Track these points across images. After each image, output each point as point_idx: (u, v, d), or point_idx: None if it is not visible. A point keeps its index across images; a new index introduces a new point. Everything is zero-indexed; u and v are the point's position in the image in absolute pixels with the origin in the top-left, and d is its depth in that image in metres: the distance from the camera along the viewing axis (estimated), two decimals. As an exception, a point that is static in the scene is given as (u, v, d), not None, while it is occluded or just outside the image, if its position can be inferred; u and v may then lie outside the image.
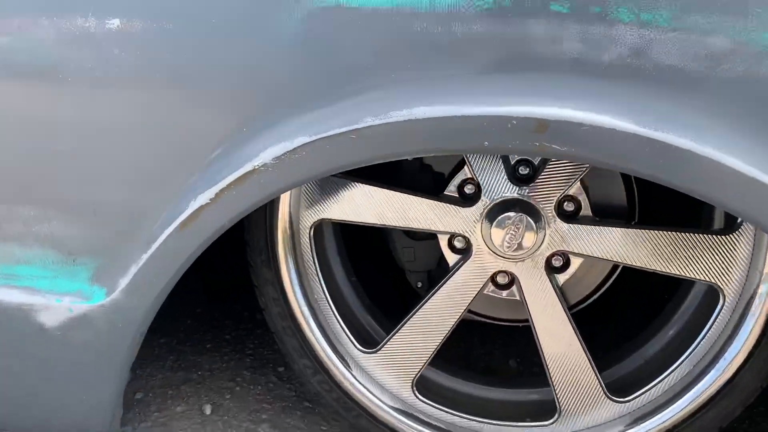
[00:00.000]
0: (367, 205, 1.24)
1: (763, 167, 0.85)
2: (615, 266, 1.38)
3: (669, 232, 1.16)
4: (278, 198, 1.25)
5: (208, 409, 1.53)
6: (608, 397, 1.26)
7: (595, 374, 1.25)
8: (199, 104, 0.97)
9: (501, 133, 0.89)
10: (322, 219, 1.28)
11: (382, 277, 1.70)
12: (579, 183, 1.21)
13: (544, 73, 0.88)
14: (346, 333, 1.33)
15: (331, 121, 0.92)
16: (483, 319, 1.47)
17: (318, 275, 1.31)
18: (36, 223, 1.08)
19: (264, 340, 1.85)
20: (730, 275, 1.16)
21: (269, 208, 1.26)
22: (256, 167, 0.96)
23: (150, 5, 0.95)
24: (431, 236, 1.37)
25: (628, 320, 1.72)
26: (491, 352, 1.85)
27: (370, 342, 1.35)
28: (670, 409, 1.22)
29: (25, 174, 1.08)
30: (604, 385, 1.26)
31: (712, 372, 1.20)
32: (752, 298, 1.16)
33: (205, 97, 0.96)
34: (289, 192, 1.24)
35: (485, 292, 1.28)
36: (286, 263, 1.29)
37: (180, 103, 0.97)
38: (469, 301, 1.26)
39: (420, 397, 1.32)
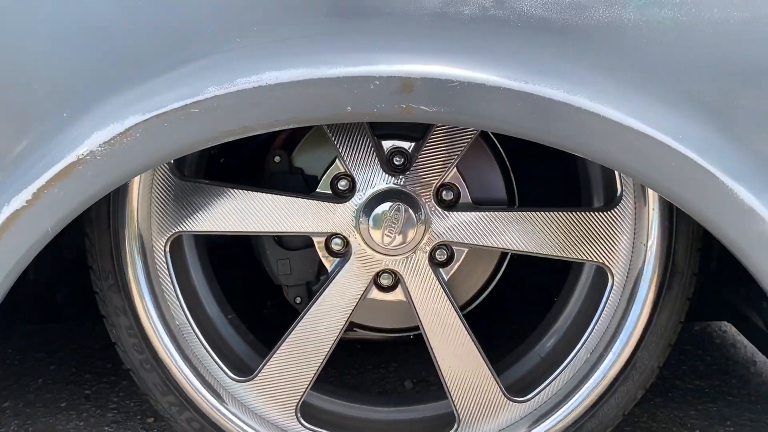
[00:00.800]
0: (230, 211, 1.11)
1: (638, 115, 0.81)
2: (501, 262, 1.32)
3: (550, 213, 1.11)
4: (125, 210, 1.09)
5: (58, 476, 1.30)
6: (508, 399, 1.17)
7: (493, 375, 1.16)
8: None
9: (364, 96, 0.79)
10: (179, 232, 1.12)
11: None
12: (456, 170, 1.15)
13: (404, 28, 0.80)
14: (216, 361, 1.16)
15: (168, 93, 0.79)
16: (372, 334, 1.35)
17: (178, 298, 1.15)
18: None
19: (130, 392, 1.63)
20: (616, 253, 1.12)
21: (114, 223, 1.09)
22: (81, 157, 0.81)
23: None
24: (307, 245, 1.24)
25: (522, 319, 1.66)
26: (385, 376, 1.74)
27: (245, 371, 1.20)
28: (572, 400, 1.15)
29: None
30: (502, 386, 1.17)
31: (609, 356, 1.15)
32: (640, 274, 1.12)
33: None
34: (136, 202, 1.08)
35: (371, 296, 1.17)
36: (138, 287, 1.11)
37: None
38: (353, 309, 1.14)
39: (306, 424, 1.17)
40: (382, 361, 1.79)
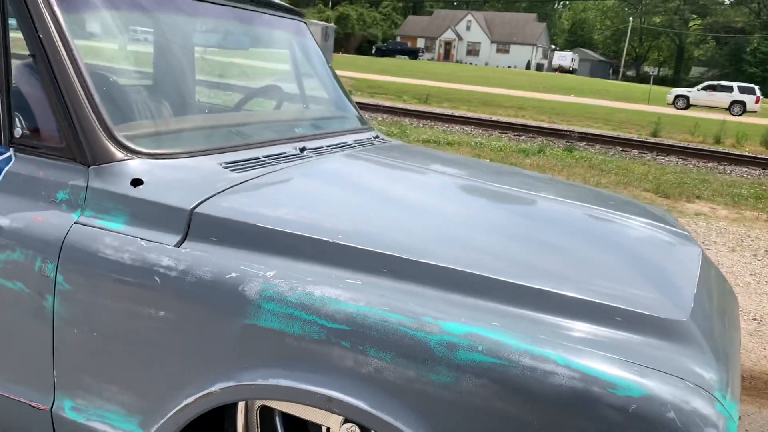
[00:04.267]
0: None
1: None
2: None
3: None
4: (241, 391, 2.34)
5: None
6: None
7: None
8: (199, 357, 2.10)
9: (314, 398, 1.94)
10: (264, 405, 2.35)
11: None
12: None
13: (333, 372, 1.93)
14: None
15: (256, 380, 2.01)
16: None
17: (259, 439, 2.37)
18: (120, 394, 2.24)
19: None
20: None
21: (235, 396, 2.35)
22: (213, 391, 2.06)
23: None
24: None
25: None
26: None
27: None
28: None
29: (113, 365, 2.24)
30: None
31: None
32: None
33: (203, 355, 2.09)
34: (246, 389, 2.33)
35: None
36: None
37: (190, 353, 2.11)
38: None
39: None
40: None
